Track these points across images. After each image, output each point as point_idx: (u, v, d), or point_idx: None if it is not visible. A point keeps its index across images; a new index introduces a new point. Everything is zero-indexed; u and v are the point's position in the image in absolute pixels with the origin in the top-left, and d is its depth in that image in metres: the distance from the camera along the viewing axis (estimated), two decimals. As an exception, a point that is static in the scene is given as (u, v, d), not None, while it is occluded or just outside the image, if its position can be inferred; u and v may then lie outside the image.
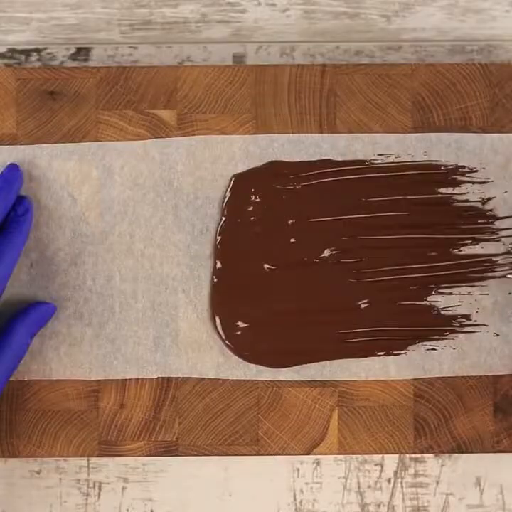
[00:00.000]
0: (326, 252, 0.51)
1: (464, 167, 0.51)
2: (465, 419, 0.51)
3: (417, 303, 0.51)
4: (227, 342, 0.51)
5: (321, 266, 0.51)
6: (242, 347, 0.51)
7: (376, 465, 0.54)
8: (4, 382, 0.47)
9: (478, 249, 0.51)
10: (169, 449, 0.51)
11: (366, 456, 0.53)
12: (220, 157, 0.51)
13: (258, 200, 0.51)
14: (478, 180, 0.51)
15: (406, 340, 0.51)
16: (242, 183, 0.51)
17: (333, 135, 0.51)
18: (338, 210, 0.51)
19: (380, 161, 0.51)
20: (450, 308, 0.51)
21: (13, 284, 0.51)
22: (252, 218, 0.51)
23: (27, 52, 0.54)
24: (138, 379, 0.51)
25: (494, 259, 0.51)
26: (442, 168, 0.51)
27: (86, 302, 0.51)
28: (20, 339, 0.48)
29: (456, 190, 0.51)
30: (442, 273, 0.51)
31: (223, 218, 0.51)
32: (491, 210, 0.51)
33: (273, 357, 0.51)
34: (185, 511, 0.54)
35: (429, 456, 0.53)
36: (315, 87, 0.51)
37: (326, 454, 0.51)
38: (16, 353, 0.48)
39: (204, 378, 0.51)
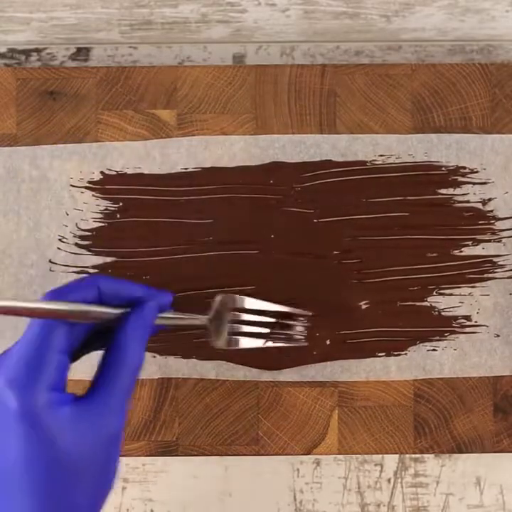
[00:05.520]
0: (327, 253, 0.51)
1: (464, 168, 0.51)
2: (465, 419, 0.51)
3: (418, 304, 0.51)
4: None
5: (321, 266, 0.51)
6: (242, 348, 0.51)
7: (376, 465, 0.54)
8: (124, 415, 0.36)
9: (478, 250, 0.51)
10: (169, 449, 0.51)
11: (366, 456, 0.53)
12: (221, 157, 0.51)
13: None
14: (479, 181, 0.51)
15: (407, 340, 0.51)
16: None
17: (334, 136, 0.51)
18: (339, 210, 0.51)
19: (380, 162, 0.51)
20: (451, 309, 0.51)
21: (14, 285, 0.51)
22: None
23: (27, 52, 0.54)
24: (138, 379, 0.51)
25: (495, 260, 0.51)
26: (443, 168, 0.51)
27: (86, 302, 0.51)
28: (133, 351, 0.37)
29: (457, 191, 0.51)
30: (443, 274, 0.51)
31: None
32: (491, 211, 0.51)
33: (273, 357, 0.51)
34: (185, 511, 0.54)
35: (429, 456, 0.53)
36: (315, 87, 0.51)
37: (326, 454, 0.51)
38: (131, 371, 0.37)
39: (204, 378, 0.51)
